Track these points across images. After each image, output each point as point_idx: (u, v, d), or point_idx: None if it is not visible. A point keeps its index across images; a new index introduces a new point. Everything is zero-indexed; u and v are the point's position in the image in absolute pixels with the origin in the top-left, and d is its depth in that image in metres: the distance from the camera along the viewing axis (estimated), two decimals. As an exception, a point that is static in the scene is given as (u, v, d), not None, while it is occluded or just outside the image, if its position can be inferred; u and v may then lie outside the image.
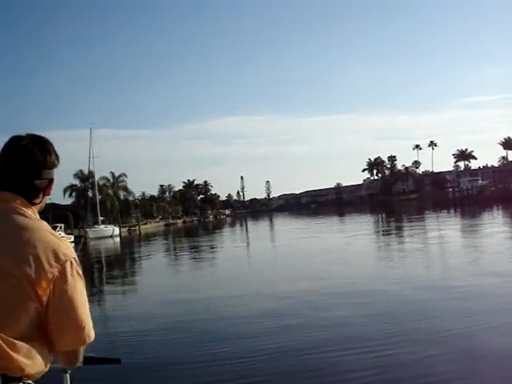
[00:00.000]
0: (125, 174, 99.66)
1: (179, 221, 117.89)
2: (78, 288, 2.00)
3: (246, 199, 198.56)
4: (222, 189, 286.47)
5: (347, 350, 7.88)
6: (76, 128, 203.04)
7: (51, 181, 2.16)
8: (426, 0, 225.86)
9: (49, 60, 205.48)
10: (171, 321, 11.33)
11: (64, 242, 2.03)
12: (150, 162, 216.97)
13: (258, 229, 62.62)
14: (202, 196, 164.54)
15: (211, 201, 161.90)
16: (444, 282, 13.41)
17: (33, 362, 1.95)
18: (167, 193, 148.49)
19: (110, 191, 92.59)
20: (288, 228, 53.44)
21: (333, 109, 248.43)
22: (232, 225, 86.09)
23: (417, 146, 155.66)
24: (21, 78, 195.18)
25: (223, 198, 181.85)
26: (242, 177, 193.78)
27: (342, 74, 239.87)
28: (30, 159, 2.07)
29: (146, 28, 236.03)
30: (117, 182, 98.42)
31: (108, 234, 67.65)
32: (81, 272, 2.04)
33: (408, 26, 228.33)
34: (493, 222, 35.48)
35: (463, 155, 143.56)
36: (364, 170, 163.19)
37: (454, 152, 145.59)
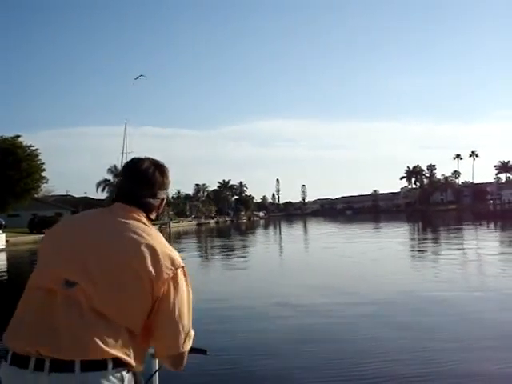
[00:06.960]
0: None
1: (212, 221, 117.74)
2: (186, 295, 2.14)
3: (281, 202, 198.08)
4: (257, 191, 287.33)
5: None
6: (116, 125, 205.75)
7: (163, 200, 2.36)
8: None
9: (84, 60, 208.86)
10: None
11: (175, 252, 2.18)
12: (188, 161, 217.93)
13: (292, 233, 61.71)
14: (236, 197, 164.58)
15: (245, 202, 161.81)
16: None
17: (139, 354, 2.06)
18: (201, 192, 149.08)
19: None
20: (323, 232, 52.46)
21: (374, 116, 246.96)
22: (265, 227, 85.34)
23: (457, 156, 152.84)
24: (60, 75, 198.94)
25: (258, 199, 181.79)
26: (277, 179, 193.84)
27: (386, 83, 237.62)
28: (150, 181, 2.28)
29: (193, 27, 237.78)
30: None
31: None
32: (189, 281, 2.18)
33: (462, 35, 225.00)
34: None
35: (505, 167, 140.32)
36: (402, 178, 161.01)
37: (496, 164, 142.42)
